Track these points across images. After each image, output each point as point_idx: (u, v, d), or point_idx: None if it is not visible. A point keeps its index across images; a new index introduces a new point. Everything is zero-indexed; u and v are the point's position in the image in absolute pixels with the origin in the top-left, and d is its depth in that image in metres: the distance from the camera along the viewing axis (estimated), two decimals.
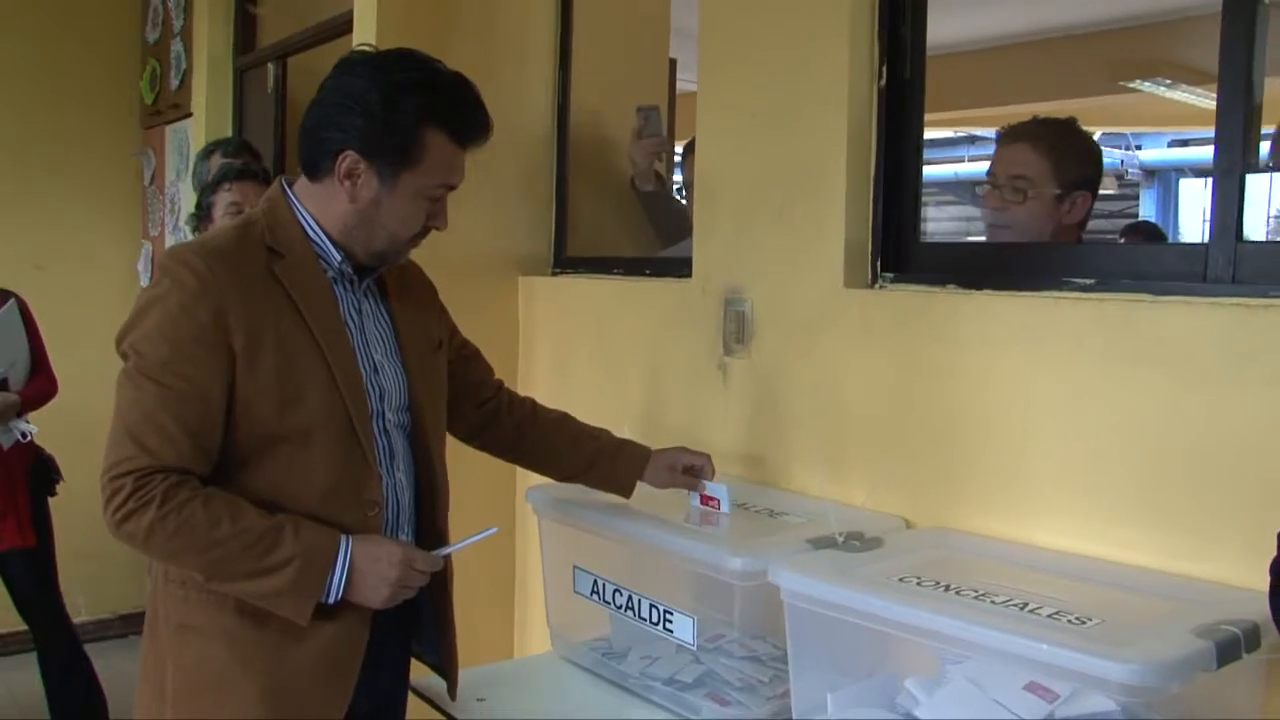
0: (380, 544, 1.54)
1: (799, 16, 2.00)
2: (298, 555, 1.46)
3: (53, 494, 3.26)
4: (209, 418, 1.47)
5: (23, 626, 3.26)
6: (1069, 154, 1.99)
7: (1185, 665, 1.20)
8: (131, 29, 4.86)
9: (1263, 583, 1.39)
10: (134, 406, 1.46)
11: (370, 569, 1.51)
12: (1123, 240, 4.89)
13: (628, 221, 2.86)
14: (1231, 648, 1.24)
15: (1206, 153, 1.53)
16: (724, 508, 1.86)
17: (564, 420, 1.93)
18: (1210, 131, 1.54)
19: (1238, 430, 1.43)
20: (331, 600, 1.50)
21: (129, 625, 4.76)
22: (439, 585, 1.70)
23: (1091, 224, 2.09)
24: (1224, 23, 1.51)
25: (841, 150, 1.93)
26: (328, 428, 1.52)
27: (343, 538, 1.51)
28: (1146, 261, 1.66)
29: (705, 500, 1.89)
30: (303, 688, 1.54)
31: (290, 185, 1.62)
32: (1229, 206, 1.52)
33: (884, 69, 1.94)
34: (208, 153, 3.08)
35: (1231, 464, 1.43)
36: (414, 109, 1.52)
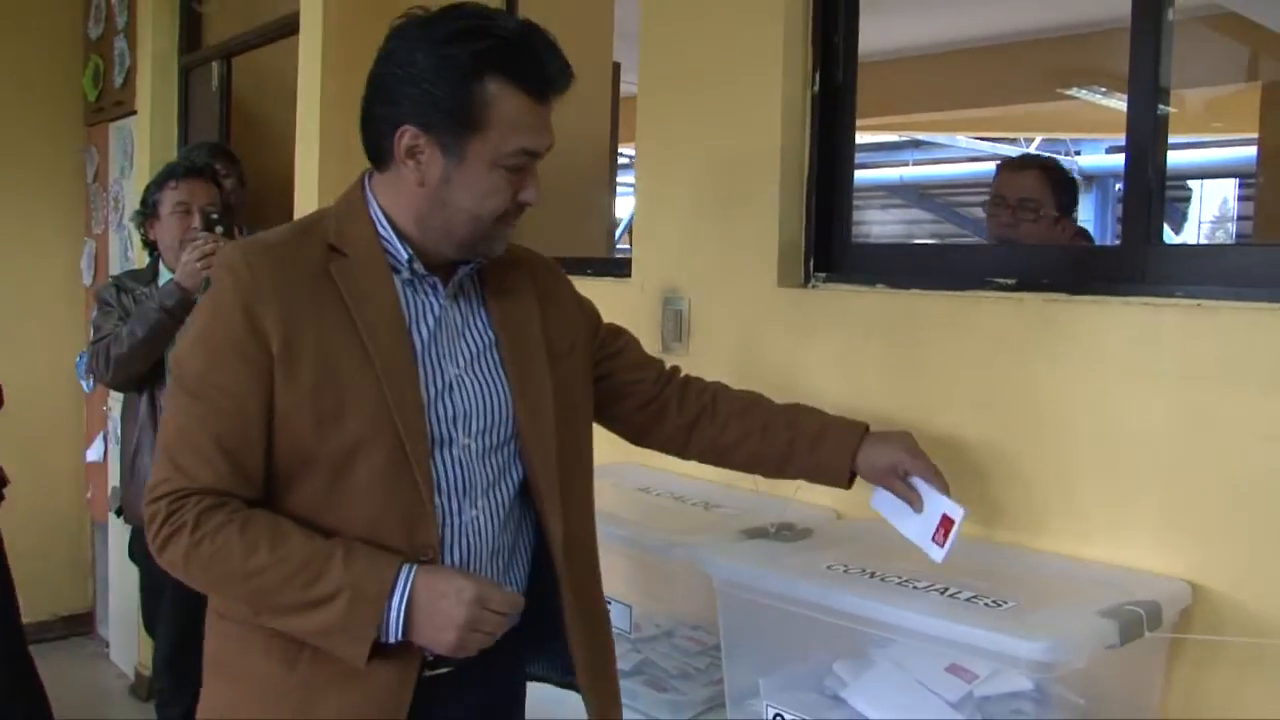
0: (450, 577, 1.30)
1: (736, 24, 2.05)
2: (346, 587, 1.25)
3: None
4: (247, 434, 1.30)
5: None
6: (1063, 184, 2.52)
7: (1090, 642, 1.27)
8: (73, 24, 4.80)
9: (1168, 566, 1.48)
10: (170, 422, 1.34)
11: (434, 606, 1.27)
12: None
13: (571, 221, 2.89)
14: (1134, 626, 1.31)
15: None
16: (952, 535, 1.43)
17: (749, 409, 1.63)
18: None
19: (1146, 421, 1.50)
20: (391, 640, 1.27)
21: (70, 626, 4.72)
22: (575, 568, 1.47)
23: None
24: (1132, 36, 1.60)
25: (776, 154, 1.99)
26: (372, 451, 1.31)
27: (404, 566, 1.28)
28: (1065, 263, 1.75)
29: (943, 526, 1.45)
30: None
31: (371, 179, 1.43)
32: (1139, 211, 1.61)
33: (817, 75, 2.00)
34: (187, 153, 3.09)
35: (1141, 454, 1.51)
36: (466, 61, 1.30)
